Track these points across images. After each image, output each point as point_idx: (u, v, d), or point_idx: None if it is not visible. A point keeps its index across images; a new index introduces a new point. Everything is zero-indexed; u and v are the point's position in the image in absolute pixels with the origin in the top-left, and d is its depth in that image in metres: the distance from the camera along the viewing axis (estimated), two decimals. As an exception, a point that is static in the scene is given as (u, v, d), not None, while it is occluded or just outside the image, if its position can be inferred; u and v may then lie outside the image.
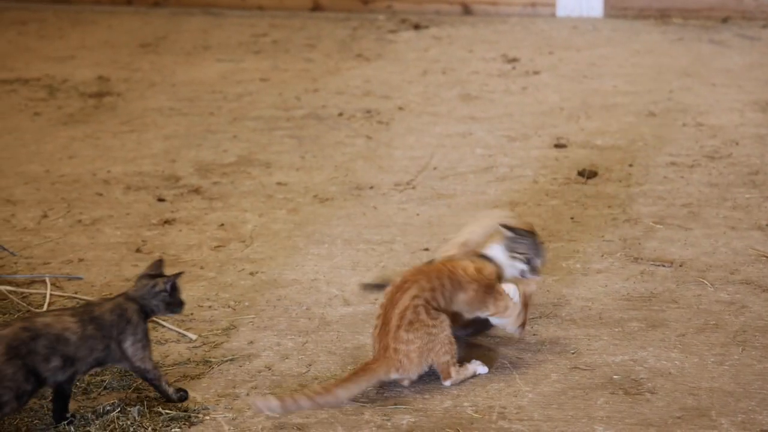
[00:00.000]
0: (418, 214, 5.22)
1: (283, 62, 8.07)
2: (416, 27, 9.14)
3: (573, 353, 3.93)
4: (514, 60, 8.03)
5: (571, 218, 5.14)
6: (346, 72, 7.79)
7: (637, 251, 4.75)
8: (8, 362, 3.33)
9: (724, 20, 9.14)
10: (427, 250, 4.79)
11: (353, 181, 5.66)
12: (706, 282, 4.46)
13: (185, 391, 3.63)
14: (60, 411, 3.52)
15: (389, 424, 3.52)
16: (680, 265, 4.61)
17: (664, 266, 4.60)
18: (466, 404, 3.62)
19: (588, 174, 5.67)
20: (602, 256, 4.73)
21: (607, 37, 8.76)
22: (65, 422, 3.50)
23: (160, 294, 3.59)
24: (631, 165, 5.82)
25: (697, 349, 3.94)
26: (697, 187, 5.48)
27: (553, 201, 5.36)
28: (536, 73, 7.70)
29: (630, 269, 4.60)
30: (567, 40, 8.64)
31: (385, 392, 3.68)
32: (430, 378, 3.75)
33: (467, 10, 9.60)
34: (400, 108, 6.91)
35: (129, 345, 3.51)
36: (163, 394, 3.60)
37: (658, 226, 5.02)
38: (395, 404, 3.61)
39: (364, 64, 8.02)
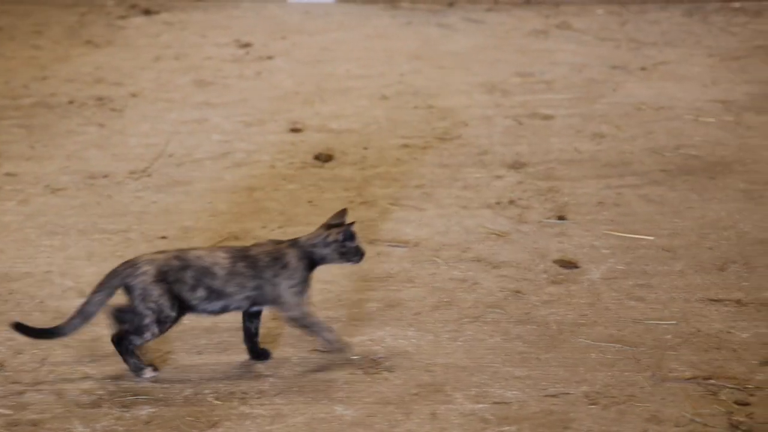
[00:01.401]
0: (154, 202, 5.15)
1: (9, 50, 7.81)
2: (147, 12, 9.01)
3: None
4: (248, 45, 8.02)
5: (309, 202, 5.18)
6: (76, 59, 7.60)
7: (374, 233, 4.83)
8: (155, 284, 3.50)
9: (450, 4, 9.38)
10: (164, 237, 4.74)
11: (86, 170, 5.54)
12: (439, 260, 4.58)
13: (342, 342, 3.76)
14: (253, 349, 3.75)
15: (128, 415, 3.46)
16: (415, 245, 4.72)
17: (399, 246, 4.70)
18: (207, 391, 3.60)
19: (324, 158, 5.72)
20: (339, 238, 4.78)
21: (338, 21, 8.86)
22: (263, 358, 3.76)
23: (332, 244, 3.69)
24: (365, 148, 5.90)
25: (433, 327, 4.04)
26: (429, 168, 5.61)
27: (291, 185, 5.39)
28: (270, 58, 7.72)
29: (367, 251, 4.64)
30: (299, 25, 8.69)
31: (123, 383, 3.63)
32: (170, 367, 3.72)
33: (199, -5, 9.53)
34: (134, 95, 6.80)
35: (284, 289, 3.59)
36: (323, 342, 3.73)
37: (394, 207, 5.12)
38: (134, 395, 3.56)
39: (94, 50, 7.85)
